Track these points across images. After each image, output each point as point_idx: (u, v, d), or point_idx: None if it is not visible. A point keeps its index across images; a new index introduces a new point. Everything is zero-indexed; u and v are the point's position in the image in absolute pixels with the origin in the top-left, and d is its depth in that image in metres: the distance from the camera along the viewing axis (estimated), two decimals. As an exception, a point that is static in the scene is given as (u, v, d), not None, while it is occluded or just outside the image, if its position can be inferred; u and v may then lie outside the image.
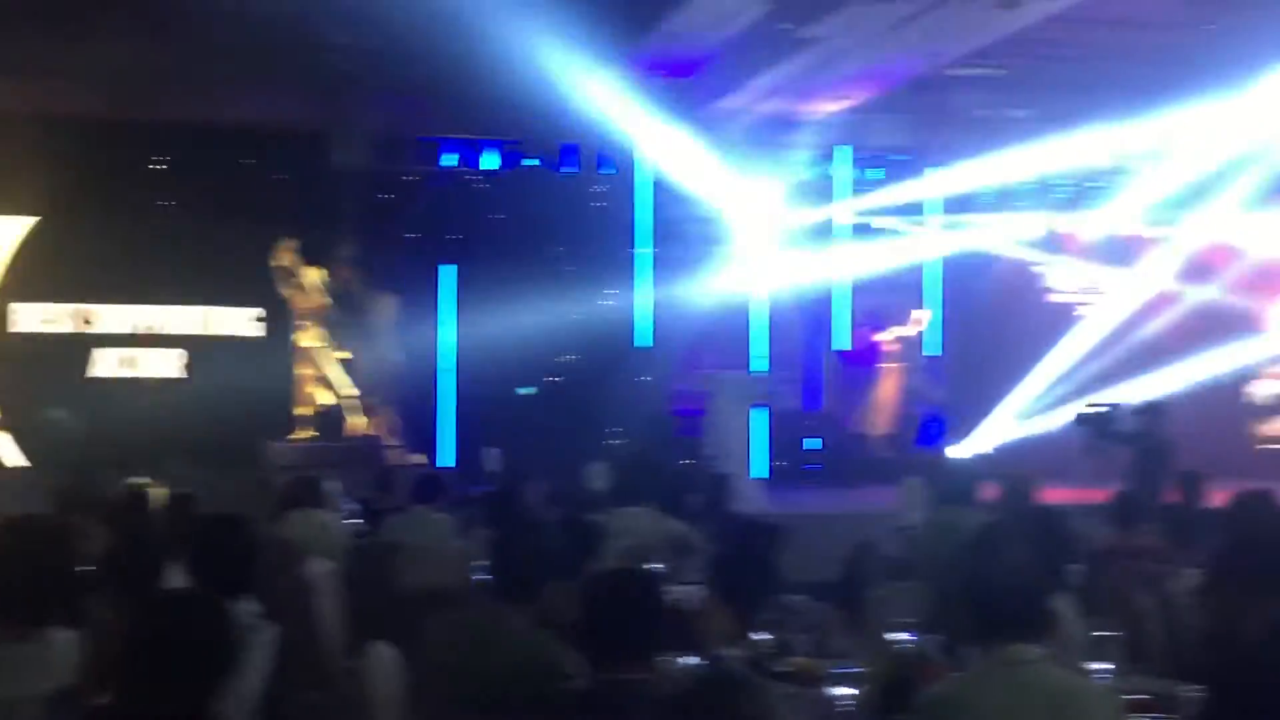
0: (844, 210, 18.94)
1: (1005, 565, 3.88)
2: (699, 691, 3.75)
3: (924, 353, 19.43)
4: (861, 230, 19.21)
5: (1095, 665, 4.77)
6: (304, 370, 15.41)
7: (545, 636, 4.54)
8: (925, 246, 19.46)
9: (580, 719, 3.87)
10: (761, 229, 18.31)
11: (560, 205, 18.00)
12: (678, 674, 4.27)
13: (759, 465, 16.24)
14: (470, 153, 17.81)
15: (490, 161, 17.89)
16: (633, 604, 4.00)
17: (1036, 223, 19.89)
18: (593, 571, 4.89)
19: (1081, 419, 14.56)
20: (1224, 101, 15.31)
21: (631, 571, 4.72)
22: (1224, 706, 3.76)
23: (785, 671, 4.83)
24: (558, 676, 4.22)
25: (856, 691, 4.40)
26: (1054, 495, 13.58)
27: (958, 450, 18.72)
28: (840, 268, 18.90)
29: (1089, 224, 19.90)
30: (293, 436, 15.25)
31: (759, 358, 18.39)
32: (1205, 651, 5.26)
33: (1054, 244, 20.20)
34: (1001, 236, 19.76)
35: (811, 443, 18.59)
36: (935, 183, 18.89)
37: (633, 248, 18.20)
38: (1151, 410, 12.78)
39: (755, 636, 5.18)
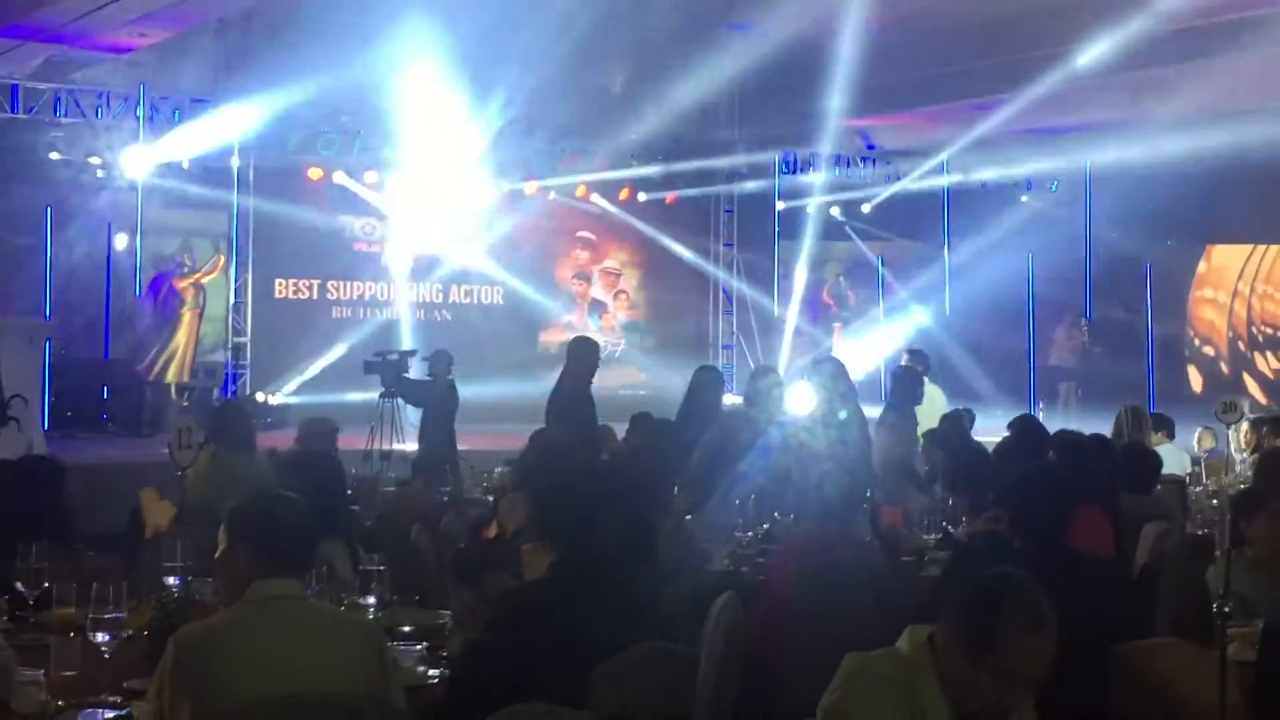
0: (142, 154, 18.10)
1: (269, 506, 4.02)
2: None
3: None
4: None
5: (365, 600, 4.93)
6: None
7: None
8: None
9: None
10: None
11: None
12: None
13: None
14: None
15: None
16: None
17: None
18: None
19: (369, 366, 14.73)
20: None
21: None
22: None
23: (45, 622, 4.67)
24: None
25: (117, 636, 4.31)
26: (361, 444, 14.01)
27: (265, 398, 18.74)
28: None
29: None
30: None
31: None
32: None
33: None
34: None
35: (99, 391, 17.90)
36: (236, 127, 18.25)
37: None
38: (436, 357, 13.16)
39: (19, 588, 4.98)
